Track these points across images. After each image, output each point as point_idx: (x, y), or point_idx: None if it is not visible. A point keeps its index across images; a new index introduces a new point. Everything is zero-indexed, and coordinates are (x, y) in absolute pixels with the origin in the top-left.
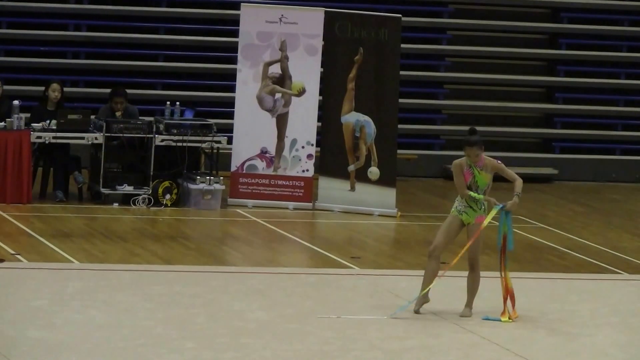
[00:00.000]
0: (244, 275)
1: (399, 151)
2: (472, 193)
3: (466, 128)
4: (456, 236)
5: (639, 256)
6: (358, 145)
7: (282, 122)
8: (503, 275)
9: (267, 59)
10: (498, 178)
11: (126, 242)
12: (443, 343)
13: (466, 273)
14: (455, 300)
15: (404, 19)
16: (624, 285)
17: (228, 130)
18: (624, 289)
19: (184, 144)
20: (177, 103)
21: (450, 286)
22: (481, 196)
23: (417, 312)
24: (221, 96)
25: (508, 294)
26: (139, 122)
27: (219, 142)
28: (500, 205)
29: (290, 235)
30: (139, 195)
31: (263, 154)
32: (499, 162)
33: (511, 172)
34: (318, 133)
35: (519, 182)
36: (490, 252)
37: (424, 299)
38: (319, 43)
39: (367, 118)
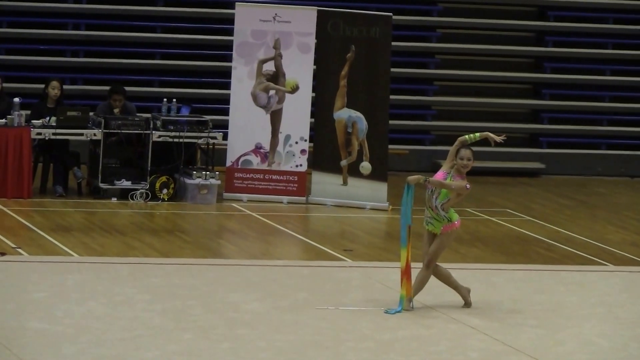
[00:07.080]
0: (239, 267)
1: (390, 146)
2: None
3: (455, 124)
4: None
5: (623, 248)
6: (350, 141)
7: (276, 118)
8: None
9: (262, 57)
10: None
11: (124, 236)
12: (434, 333)
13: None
14: (447, 292)
15: (394, 17)
16: (610, 277)
17: (223, 126)
18: (609, 280)
19: (181, 140)
20: (174, 100)
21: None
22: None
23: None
24: (216, 93)
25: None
26: (136, 119)
27: (215, 138)
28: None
29: (284, 229)
30: (136, 190)
31: (257, 149)
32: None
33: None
34: (311, 129)
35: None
36: (480, 244)
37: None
38: (311, 41)
39: (359, 114)
